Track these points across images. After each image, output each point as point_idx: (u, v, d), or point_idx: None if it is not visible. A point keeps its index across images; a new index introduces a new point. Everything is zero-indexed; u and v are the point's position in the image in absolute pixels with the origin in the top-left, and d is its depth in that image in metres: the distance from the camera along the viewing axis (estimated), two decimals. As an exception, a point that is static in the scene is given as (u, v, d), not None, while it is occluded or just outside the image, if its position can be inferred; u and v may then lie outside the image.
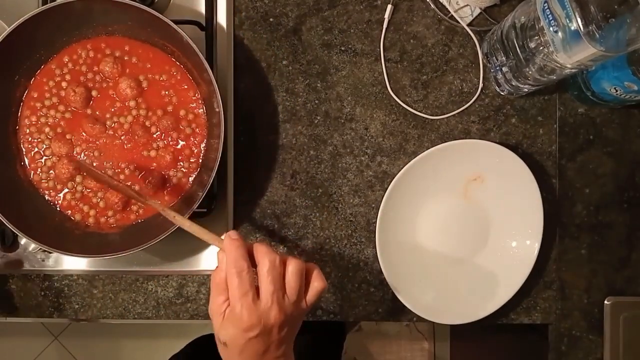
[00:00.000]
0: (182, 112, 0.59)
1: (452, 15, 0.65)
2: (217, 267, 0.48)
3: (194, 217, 0.58)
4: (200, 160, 0.59)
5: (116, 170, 0.59)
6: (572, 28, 0.47)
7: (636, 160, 0.67)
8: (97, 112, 0.59)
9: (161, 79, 0.59)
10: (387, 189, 0.63)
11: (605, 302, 0.66)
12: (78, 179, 0.59)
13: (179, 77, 0.59)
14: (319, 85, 0.66)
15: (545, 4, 0.50)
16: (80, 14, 0.56)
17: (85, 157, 0.59)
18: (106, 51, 0.59)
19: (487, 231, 0.65)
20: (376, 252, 0.63)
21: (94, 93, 0.59)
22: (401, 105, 0.66)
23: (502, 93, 0.66)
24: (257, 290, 0.46)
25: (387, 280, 0.63)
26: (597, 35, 0.46)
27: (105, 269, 0.65)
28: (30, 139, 0.59)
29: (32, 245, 0.63)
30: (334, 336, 1.28)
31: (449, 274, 0.65)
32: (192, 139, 0.59)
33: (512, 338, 0.87)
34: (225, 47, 0.65)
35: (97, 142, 0.59)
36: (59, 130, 0.59)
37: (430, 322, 0.64)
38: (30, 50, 0.58)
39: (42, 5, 0.56)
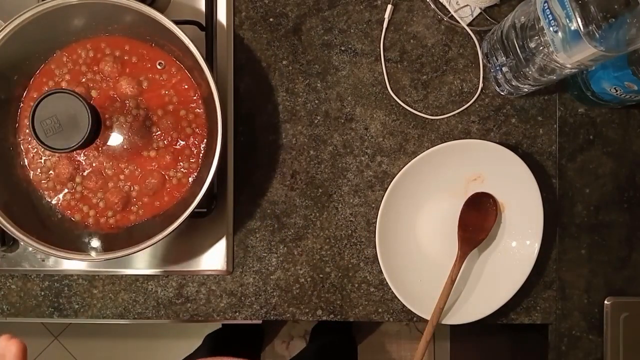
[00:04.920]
0: (182, 112, 0.59)
1: (452, 15, 0.65)
2: None
3: (194, 217, 0.58)
4: (200, 160, 0.59)
5: (115, 171, 0.59)
6: (572, 28, 0.47)
7: (636, 160, 0.67)
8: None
9: (161, 78, 0.59)
10: (387, 189, 0.63)
11: (605, 302, 0.66)
12: (78, 179, 0.59)
13: (179, 77, 0.59)
14: (319, 85, 0.66)
15: (545, 4, 0.50)
16: (80, 13, 0.56)
17: (84, 157, 0.59)
18: (106, 51, 0.59)
19: (487, 231, 0.65)
20: (376, 252, 0.63)
21: (93, 93, 0.59)
22: (401, 105, 0.66)
23: (502, 93, 0.66)
24: None
25: (387, 280, 0.63)
26: (597, 35, 0.46)
27: (105, 269, 0.65)
28: (29, 139, 0.59)
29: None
30: (345, 343, 1.28)
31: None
32: (192, 139, 0.59)
33: (512, 338, 0.87)
34: (225, 47, 0.65)
35: (97, 142, 0.59)
36: (58, 130, 0.59)
37: (430, 322, 0.64)
38: (30, 49, 0.57)
39: (42, 4, 0.56)
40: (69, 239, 0.57)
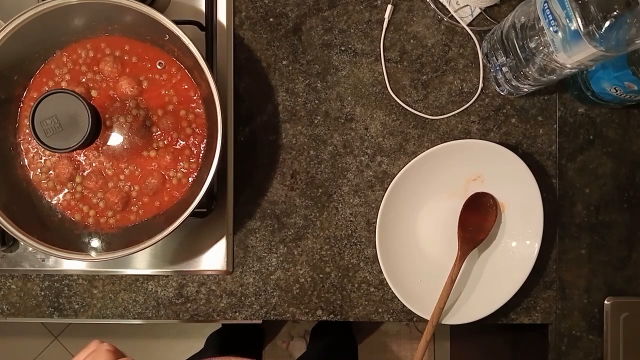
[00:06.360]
0: (182, 112, 0.59)
1: (452, 15, 0.65)
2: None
3: (194, 217, 0.58)
4: (200, 160, 0.59)
5: (115, 171, 0.59)
6: (572, 28, 0.47)
7: (636, 160, 0.67)
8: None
9: (161, 78, 0.59)
10: (387, 189, 0.63)
11: (605, 302, 0.66)
12: (78, 179, 0.59)
13: (179, 77, 0.59)
14: (319, 85, 0.66)
15: (545, 4, 0.50)
16: (80, 13, 0.56)
17: (84, 158, 0.59)
18: (106, 51, 0.59)
19: (487, 231, 0.65)
20: (376, 252, 0.63)
21: (93, 93, 0.59)
22: (401, 105, 0.66)
23: (502, 93, 0.66)
24: None
25: (387, 280, 0.63)
26: (597, 35, 0.46)
27: (105, 269, 0.65)
28: (29, 139, 0.59)
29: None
30: (346, 345, 1.28)
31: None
32: (192, 139, 0.59)
33: (512, 338, 0.87)
34: (225, 47, 0.65)
35: (97, 142, 0.59)
36: (58, 130, 0.59)
37: (430, 322, 0.64)
38: (30, 49, 0.57)
39: (42, 4, 0.56)
40: (69, 239, 0.57)
